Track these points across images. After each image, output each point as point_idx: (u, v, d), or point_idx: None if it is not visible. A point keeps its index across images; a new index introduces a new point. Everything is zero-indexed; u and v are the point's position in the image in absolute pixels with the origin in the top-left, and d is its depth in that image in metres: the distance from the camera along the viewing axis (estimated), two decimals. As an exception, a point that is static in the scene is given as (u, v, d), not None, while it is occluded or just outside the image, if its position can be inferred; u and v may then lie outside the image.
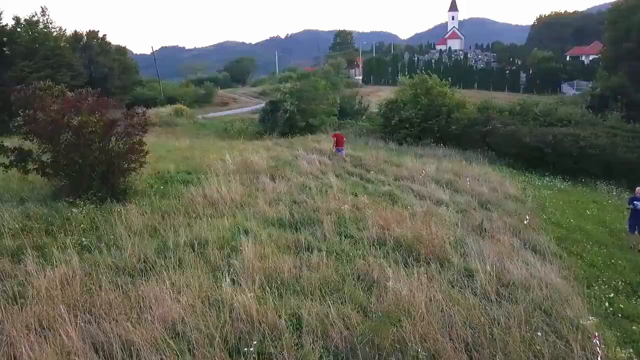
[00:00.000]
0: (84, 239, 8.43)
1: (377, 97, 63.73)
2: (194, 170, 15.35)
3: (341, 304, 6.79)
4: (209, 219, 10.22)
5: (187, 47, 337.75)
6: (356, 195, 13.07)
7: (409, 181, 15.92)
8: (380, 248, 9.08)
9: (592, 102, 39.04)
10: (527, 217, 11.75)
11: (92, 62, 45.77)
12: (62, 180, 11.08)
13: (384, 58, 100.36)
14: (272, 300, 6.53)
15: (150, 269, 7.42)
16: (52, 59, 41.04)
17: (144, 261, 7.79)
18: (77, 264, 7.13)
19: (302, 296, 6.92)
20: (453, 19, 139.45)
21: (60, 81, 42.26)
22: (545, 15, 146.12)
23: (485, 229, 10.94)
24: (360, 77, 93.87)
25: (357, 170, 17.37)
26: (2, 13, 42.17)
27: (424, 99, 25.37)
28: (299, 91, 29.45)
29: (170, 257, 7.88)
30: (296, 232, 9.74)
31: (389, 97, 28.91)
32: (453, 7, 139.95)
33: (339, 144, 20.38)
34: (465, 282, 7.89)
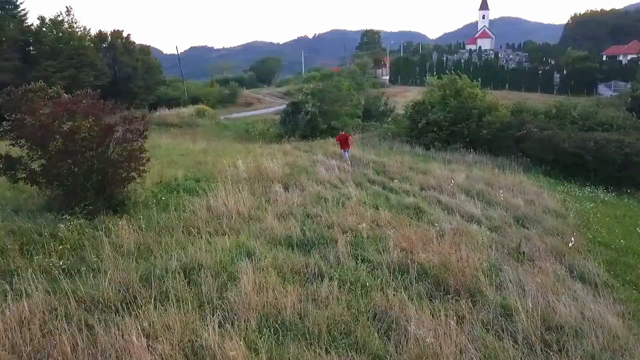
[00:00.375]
0: (62, 262, 7.43)
1: (403, 97, 62.16)
2: (204, 177, 14.36)
3: (352, 352, 5.62)
4: (210, 236, 9.16)
5: (215, 47, 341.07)
6: (377, 209, 11.83)
7: (437, 191, 14.54)
8: (401, 276, 7.84)
9: (633, 104, 36.70)
10: (572, 239, 10.29)
11: (116, 62, 45.59)
12: (54, 191, 10.17)
13: (412, 58, 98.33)
14: (266, 351, 5.39)
15: (130, 303, 6.35)
16: (75, 59, 40.89)
17: (125, 290, 6.75)
18: (41, 298, 6.10)
19: (305, 342, 5.75)
20: (484, 17, 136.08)
21: (84, 81, 42.19)
22: (580, 14, 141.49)
23: (523, 252, 9.55)
24: (387, 77, 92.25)
25: (379, 178, 16.07)
26: (27, 13, 42.31)
27: (453, 100, 23.87)
28: (321, 92, 28.29)
29: (157, 287, 6.84)
30: (306, 254, 8.58)
31: (416, 99, 27.46)
32: (484, 6, 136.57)
33: (343, 145, 19.22)
34: (503, 324, 6.60)
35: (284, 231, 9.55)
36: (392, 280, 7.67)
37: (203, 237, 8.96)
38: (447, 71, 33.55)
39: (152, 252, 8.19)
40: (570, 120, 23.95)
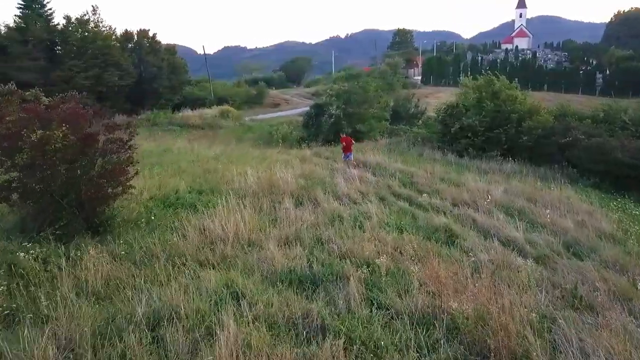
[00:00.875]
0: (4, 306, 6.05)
1: (436, 99, 59.85)
2: (210, 189, 12.94)
3: None
4: (198, 268, 7.69)
5: (248, 47, 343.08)
6: (401, 232, 10.16)
7: (471, 208, 12.73)
8: (427, 332, 6.17)
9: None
10: (641, 279, 8.38)
11: (142, 62, 45.01)
12: (26, 208, 8.86)
13: (445, 57, 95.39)
14: None
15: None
16: (100, 58, 40.43)
17: (70, 351, 5.30)
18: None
19: None
20: (521, 16, 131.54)
21: (108, 81, 41.74)
22: (624, 11, 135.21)
23: (581, 296, 7.72)
24: (419, 78, 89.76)
25: (406, 191, 14.32)
26: (54, 12, 42.13)
27: (490, 103, 21.82)
28: (346, 93, 26.57)
29: (112, 346, 5.38)
30: (310, 295, 7.01)
31: (448, 101, 25.47)
32: (521, 4, 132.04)
33: (346, 148, 18.42)
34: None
35: (287, 262, 7.98)
36: (415, 337, 6.01)
37: (188, 270, 7.50)
38: (482, 71, 31.42)
39: (120, 292, 6.74)
40: (620, 125, 21.61)
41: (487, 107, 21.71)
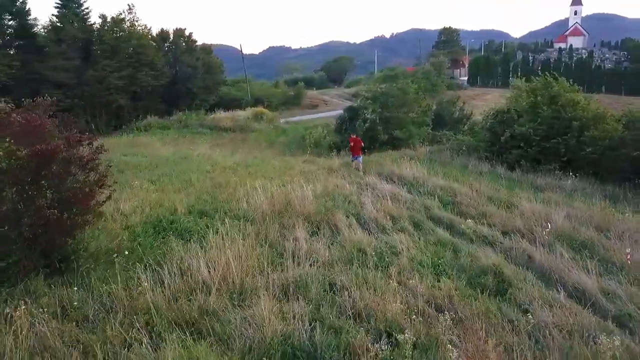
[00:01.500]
0: None
1: (483, 101, 56.58)
2: (214, 208, 11.13)
3: None
4: (161, 332, 5.83)
5: (293, 47, 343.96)
6: (437, 277, 8.02)
7: (526, 239, 10.39)
8: None
9: None
10: None
11: (177, 61, 44.17)
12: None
13: (493, 57, 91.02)
14: None
15: None
16: (134, 58, 39.74)
17: None
18: None
19: None
20: (576, 13, 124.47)
21: (142, 81, 41.01)
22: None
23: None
24: (465, 78, 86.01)
25: (446, 214, 12.03)
26: (90, 11, 41.78)
27: (547, 109, 19.08)
28: (384, 95, 24.31)
29: None
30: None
31: (498, 104, 22.78)
32: (577, 1, 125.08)
33: (355, 150, 17.72)
34: None
35: (281, 328, 5.99)
36: None
37: (147, 337, 5.64)
38: (534, 72, 28.42)
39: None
40: (703, 135, 18.43)
41: (544, 113, 18.98)
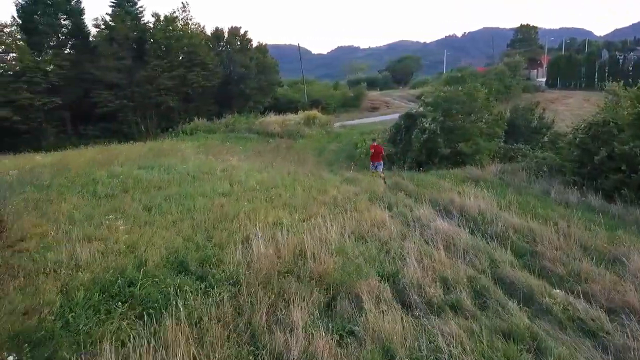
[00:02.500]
0: None
1: (564, 105, 50.79)
2: (200, 259, 8.29)
3: None
4: None
5: (361, 47, 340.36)
6: None
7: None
8: None
9: None
10: None
11: (231, 62, 42.36)
12: None
13: (576, 56, 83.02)
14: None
15: None
16: (185, 57, 38.29)
17: None
18: None
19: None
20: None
21: (193, 81, 39.50)
22: None
23: None
24: (543, 80, 78.94)
25: (523, 275, 8.48)
26: (144, 10, 40.83)
27: (659, 122, 14.85)
28: (447, 101, 20.65)
29: None
30: None
31: (592, 114, 18.52)
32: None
33: (375, 157, 17.18)
34: None
35: None
36: None
37: None
38: (628, 73, 23.52)
39: None
40: None
41: (654, 128, 14.75)
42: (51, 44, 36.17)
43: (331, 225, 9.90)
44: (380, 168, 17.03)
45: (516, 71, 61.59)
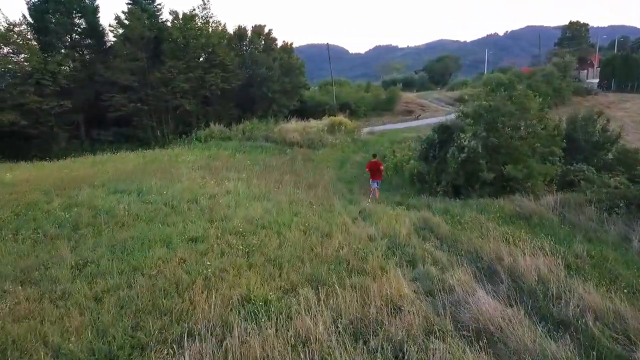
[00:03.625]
0: None
1: (622, 111, 45.73)
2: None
3: None
4: None
5: (400, 46, 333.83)
6: None
7: None
8: None
9: None
10: None
11: (253, 62, 39.45)
12: None
13: (632, 55, 76.35)
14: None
15: None
16: (203, 58, 35.70)
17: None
18: None
19: None
20: None
21: (211, 83, 36.87)
22: None
23: None
24: (595, 81, 72.88)
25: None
26: (162, 7, 38.44)
27: None
28: (491, 112, 16.90)
29: None
30: None
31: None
32: None
33: (374, 175, 16.63)
34: None
35: None
36: None
37: None
38: None
39: None
40: None
41: None
42: (65, 44, 34.10)
43: (320, 307, 6.71)
44: (377, 185, 16.58)
45: (566, 72, 56.40)
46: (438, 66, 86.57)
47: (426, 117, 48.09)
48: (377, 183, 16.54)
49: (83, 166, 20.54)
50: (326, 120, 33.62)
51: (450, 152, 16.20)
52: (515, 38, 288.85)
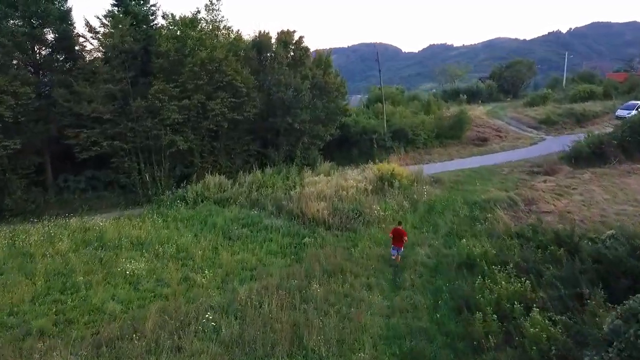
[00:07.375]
0: None
1: None
2: None
3: None
4: None
5: (454, 45, 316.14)
6: None
7: None
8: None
9: None
10: None
11: (275, 83, 29.25)
12: None
13: None
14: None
15: None
16: (203, 78, 25.96)
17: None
18: None
19: None
20: None
21: (216, 111, 27.04)
22: None
23: None
24: None
25: None
26: (158, 9, 28.94)
27: None
28: None
29: None
30: None
31: None
32: None
33: (396, 241, 15.70)
34: None
35: None
36: None
37: None
38: None
39: None
40: None
41: None
42: (16, 63, 25.21)
43: None
44: (400, 252, 15.85)
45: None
46: (508, 73, 73.34)
47: (505, 147, 36.69)
48: (398, 250, 15.83)
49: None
50: (371, 173, 22.81)
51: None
52: (580, 35, 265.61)
